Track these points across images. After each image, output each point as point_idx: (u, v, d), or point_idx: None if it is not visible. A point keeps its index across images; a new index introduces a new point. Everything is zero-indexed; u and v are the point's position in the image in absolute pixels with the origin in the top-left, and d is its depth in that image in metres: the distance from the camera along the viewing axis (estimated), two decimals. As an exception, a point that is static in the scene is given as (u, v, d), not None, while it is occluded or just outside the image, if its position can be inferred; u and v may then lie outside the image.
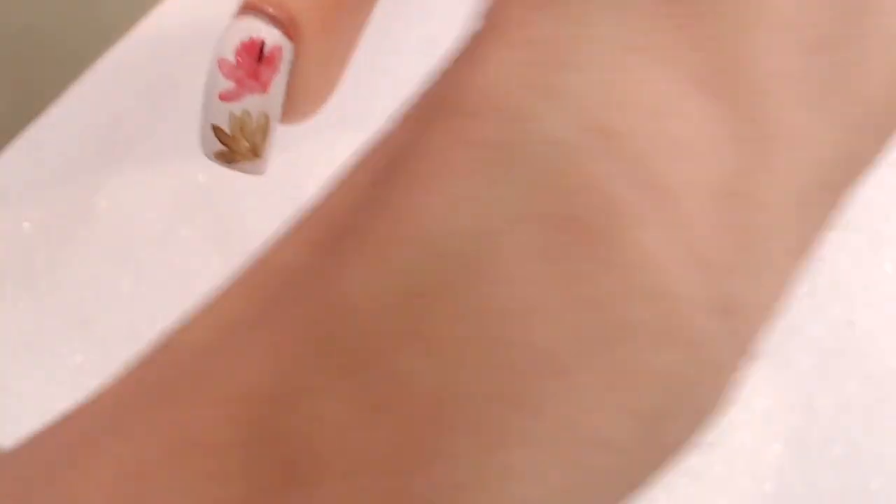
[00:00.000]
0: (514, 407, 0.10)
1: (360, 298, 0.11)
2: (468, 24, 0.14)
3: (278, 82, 0.21)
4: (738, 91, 0.11)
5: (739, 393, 0.11)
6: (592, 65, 0.11)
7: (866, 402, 0.38)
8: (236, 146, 0.22)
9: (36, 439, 0.14)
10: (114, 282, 0.39)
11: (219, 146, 0.22)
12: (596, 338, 0.10)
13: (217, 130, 0.21)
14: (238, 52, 0.21)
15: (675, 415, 0.11)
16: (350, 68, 0.23)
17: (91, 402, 0.14)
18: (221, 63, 0.21)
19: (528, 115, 0.11)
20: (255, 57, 0.21)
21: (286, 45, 0.21)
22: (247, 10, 0.20)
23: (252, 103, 0.21)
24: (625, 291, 0.10)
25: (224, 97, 0.21)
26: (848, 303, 0.39)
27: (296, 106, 0.22)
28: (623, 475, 0.11)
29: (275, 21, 0.20)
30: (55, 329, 0.39)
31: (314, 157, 0.39)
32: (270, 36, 0.21)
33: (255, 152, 0.22)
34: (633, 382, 0.10)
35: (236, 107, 0.21)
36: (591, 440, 0.10)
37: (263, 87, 0.21)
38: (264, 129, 0.22)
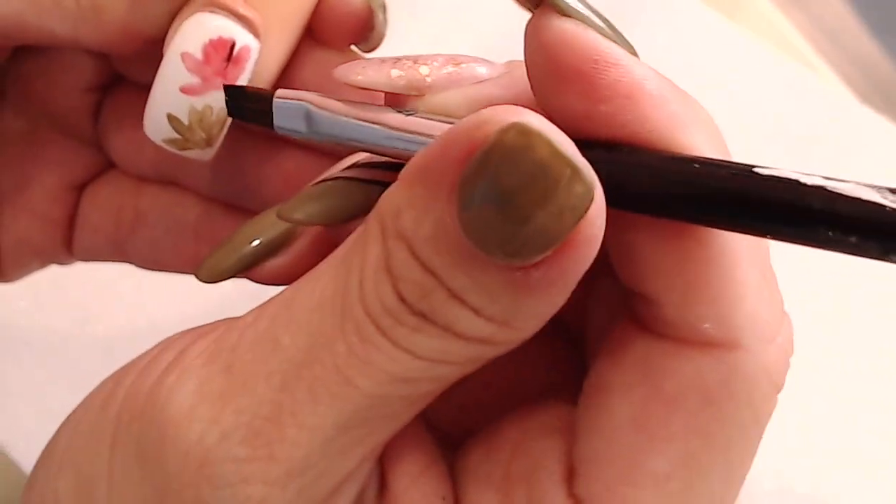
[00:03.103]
0: None
1: None
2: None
3: (242, 81, 0.21)
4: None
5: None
6: None
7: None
8: (191, 136, 0.21)
9: None
10: (114, 282, 0.39)
11: (172, 134, 0.21)
12: None
13: (173, 119, 0.21)
14: (206, 50, 0.20)
15: None
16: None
17: None
18: (185, 57, 0.21)
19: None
20: (225, 56, 0.21)
21: (254, 46, 0.21)
22: (214, 7, 0.20)
23: (215, 99, 0.21)
24: None
25: (187, 91, 0.21)
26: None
27: None
28: None
29: (244, 21, 0.21)
30: (56, 329, 0.39)
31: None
32: (241, 36, 0.21)
33: (210, 142, 0.22)
34: None
35: (198, 101, 0.21)
36: None
37: None
38: (222, 122, 0.22)
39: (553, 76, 0.15)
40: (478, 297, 0.14)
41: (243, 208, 0.24)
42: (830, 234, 0.12)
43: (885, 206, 0.12)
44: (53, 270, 0.39)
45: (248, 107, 0.20)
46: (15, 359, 0.39)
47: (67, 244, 0.26)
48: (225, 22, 0.20)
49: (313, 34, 0.22)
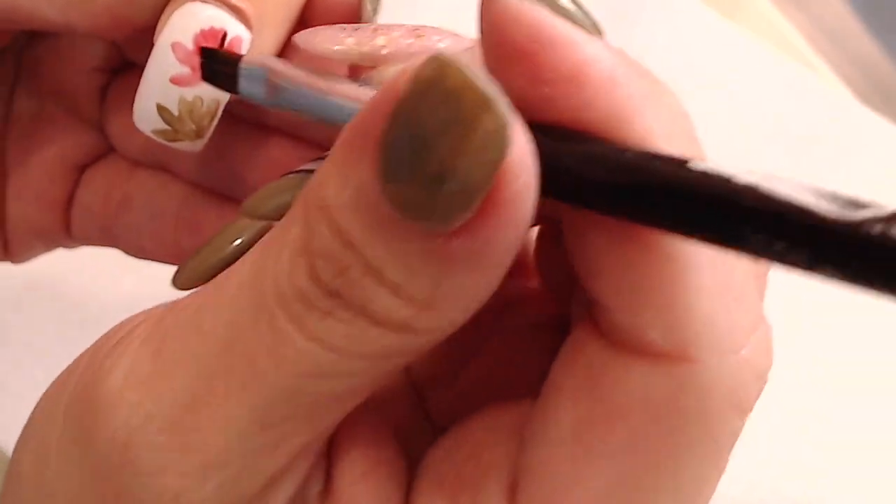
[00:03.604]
0: None
1: None
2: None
3: None
4: None
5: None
6: None
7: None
8: (181, 127, 0.21)
9: None
10: (114, 282, 0.39)
11: (162, 125, 0.21)
12: None
13: (162, 110, 0.21)
14: (196, 40, 0.20)
15: None
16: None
17: None
18: (176, 47, 0.20)
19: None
20: (216, 46, 0.20)
21: (245, 36, 0.20)
22: None
23: (206, 90, 0.21)
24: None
25: (177, 81, 0.21)
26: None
27: None
28: None
29: (235, 11, 0.20)
30: (55, 329, 0.39)
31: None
32: (232, 26, 0.20)
33: (199, 134, 0.22)
34: None
35: (188, 92, 0.21)
36: None
37: None
38: (213, 114, 0.21)
39: (498, 55, 0.14)
40: (397, 271, 0.13)
41: (230, 197, 0.24)
42: (756, 238, 0.11)
43: (816, 213, 0.11)
44: (53, 270, 0.39)
45: (220, 70, 0.19)
46: (15, 359, 0.39)
47: (67, 226, 0.26)
48: (216, 12, 0.20)
49: (308, 24, 0.22)
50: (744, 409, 0.14)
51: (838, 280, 0.11)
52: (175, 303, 0.15)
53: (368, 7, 0.22)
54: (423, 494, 0.15)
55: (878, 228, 0.10)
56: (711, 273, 0.13)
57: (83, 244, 0.26)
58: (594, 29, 0.14)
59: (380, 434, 0.16)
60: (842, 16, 0.52)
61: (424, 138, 0.12)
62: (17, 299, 0.40)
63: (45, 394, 0.16)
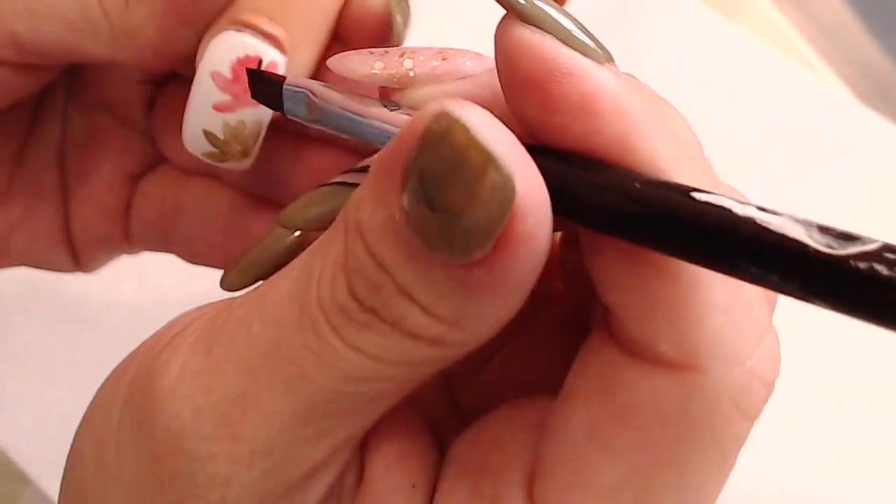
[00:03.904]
0: None
1: None
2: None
3: None
4: None
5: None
6: None
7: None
8: (228, 149, 0.22)
9: None
10: (114, 282, 0.39)
11: (209, 148, 0.22)
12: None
13: (209, 135, 0.22)
14: (234, 68, 0.21)
15: None
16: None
17: None
18: (215, 76, 0.21)
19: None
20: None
21: (280, 61, 0.21)
22: (238, 26, 0.21)
23: (248, 114, 0.22)
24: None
25: (220, 108, 0.22)
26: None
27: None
28: None
29: (269, 38, 0.21)
30: (56, 329, 0.39)
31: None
32: (267, 53, 0.21)
33: (246, 154, 0.23)
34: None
35: (231, 117, 0.22)
36: None
37: None
38: (257, 135, 0.23)
39: (512, 85, 0.15)
40: (425, 294, 0.14)
41: (276, 202, 0.25)
42: (753, 269, 0.12)
43: (807, 246, 0.11)
44: (53, 272, 0.38)
45: (266, 91, 0.21)
46: (15, 359, 0.39)
47: (127, 234, 0.27)
48: (251, 40, 0.21)
49: (341, 38, 0.23)
50: (749, 417, 0.15)
51: (831, 310, 0.11)
52: (227, 304, 0.17)
53: (399, 20, 0.22)
54: (447, 481, 0.16)
55: (864, 264, 0.11)
56: (721, 289, 0.14)
57: (143, 250, 0.28)
58: (605, 58, 0.15)
59: (411, 426, 0.17)
60: (842, 16, 0.52)
61: (438, 182, 0.13)
62: (18, 299, 0.40)
63: (104, 383, 0.18)
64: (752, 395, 0.14)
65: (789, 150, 0.45)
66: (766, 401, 0.15)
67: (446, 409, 0.20)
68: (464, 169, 0.13)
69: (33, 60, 0.22)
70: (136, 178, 0.27)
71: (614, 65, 0.15)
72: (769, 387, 0.15)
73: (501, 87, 0.15)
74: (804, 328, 0.40)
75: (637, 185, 0.13)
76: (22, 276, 0.40)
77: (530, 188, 0.13)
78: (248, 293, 0.17)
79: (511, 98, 0.15)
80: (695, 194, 0.13)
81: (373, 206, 0.14)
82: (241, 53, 0.21)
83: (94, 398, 0.18)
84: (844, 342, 0.40)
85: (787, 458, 0.38)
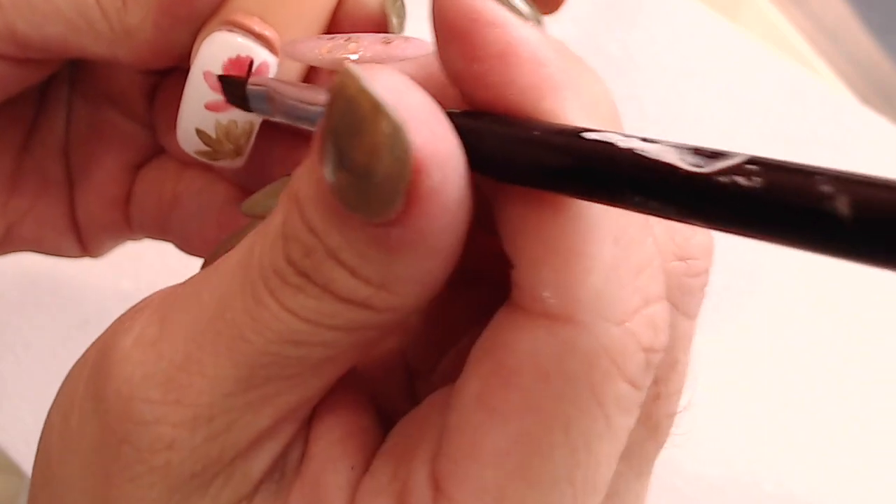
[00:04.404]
0: None
1: None
2: None
3: (262, 95, 0.21)
4: None
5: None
6: None
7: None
8: (220, 147, 0.23)
9: None
10: (114, 282, 0.40)
11: (202, 147, 0.23)
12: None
13: (201, 133, 0.22)
14: (226, 68, 0.21)
15: None
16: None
17: None
18: (207, 76, 0.21)
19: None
20: (244, 73, 0.21)
21: (272, 61, 0.21)
22: (230, 26, 0.21)
23: (239, 114, 0.22)
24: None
25: (212, 107, 0.22)
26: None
27: None
28: None
29: (261, 38, 0.21)
30: (56, 329, 0.39)
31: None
32: (258, 53, 0.21)
33: (238, 153, 0.23)
34: None
35: (223, 117, 0.22)
36: None
37: None
38: (248, 134, 0.23)
39: (440, 35, 0.15)
40: (350, 257, 0.15)
41: None
42: (636, 197, 0.12)
43: (678, 168, 0.11)
44: (52, 271, 0.39)
45: (235, 93, 0.21)
46: (15, 359, 0.39)
47: (129, 222, 0.27)
48: (243, 41, 0.21)
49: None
50: (626, 377, 0.15)
51: (708, 227, 0.12)
52: (186, 280, 0.17)
53: (394, 21, 0.22)
54: (374, 464, 0.17)
55: (726, 178, 0.11)
56: (609, 248, 0.15)
57: (146, 237, 0.28)
58: (532, 18, 0.15)
59: (359, 410, 0.18)
60: (842, 16, 0.52)
61: (344, 141, 0.14)
62: (18, 299, 0.40)
63: (78, 359, 0.18)
64: (628, 355, 0.15)
65: (789, 151, 0.45)
66: (643, 367, 0.15)
67: (406, 401, 0.20)
68: (357, 119, 0.13)
69: (33, 55, 0.22)
70: (136, 168, 0.27)
71: (542, 26, 0.15)
72: (647, 353, 0.15)
73: (435, 42, 0.15)
74: (804, 328, 0.40)
75: (536, 132, 0.14)
76: (22, 277, 0.40)
77: (432, 141, 0.14)
78: (206, 267, 0.17)
79: (440, 51, 0.15)
80: (585, 134, 0.13)
81: (306, 175, 0.15)
82: (232, 54, 0.21)
83: (68, 373, 0.18)
84: (844, 342, 0.40)
85: (786, 457, 0.38)
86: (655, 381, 0.17)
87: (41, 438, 0.18)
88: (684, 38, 0.47)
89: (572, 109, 0.14)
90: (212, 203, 0.26)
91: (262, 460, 0.16)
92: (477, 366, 0.15)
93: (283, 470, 0.17)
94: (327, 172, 0.14)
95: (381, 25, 0.22)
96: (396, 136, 0.13)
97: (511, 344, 0.15)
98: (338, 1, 0.22)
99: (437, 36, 0.15)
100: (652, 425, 0.17)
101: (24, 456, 0.37)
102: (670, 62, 0.47)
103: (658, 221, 0.16)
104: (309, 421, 0.17)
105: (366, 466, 0.17)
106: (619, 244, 0.15)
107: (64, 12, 0.21)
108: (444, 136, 0.14)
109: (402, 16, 0.23)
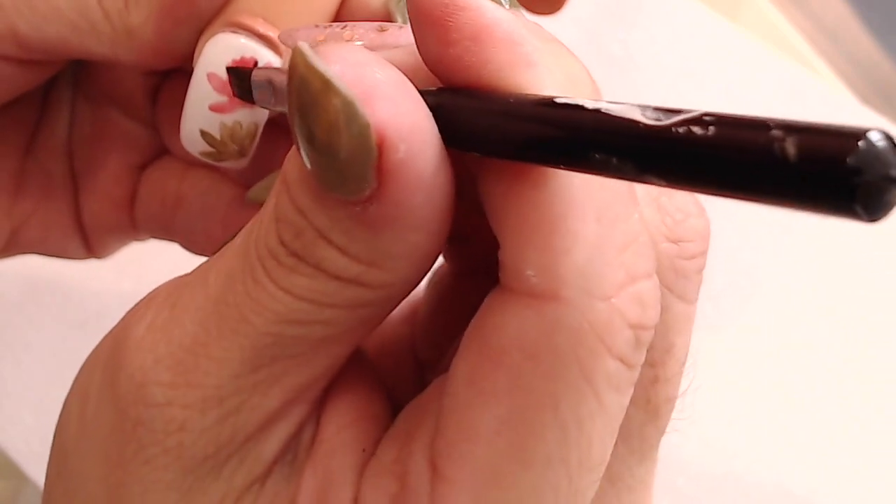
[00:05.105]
0: None
1: None
2: None
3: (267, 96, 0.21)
4: None
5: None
6: None
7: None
8: (224, 149, 0.23)
9: None
10: (114, 282, 0.40)
11: (206, 148, 0.23)
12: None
13: (205, 135, 0.22)
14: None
15: None
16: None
17: None
18: (211, 77, 0.21)
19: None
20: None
21: (276, 63, 0.21)
22: (234, 28, 0.21)
23: (243, 115, 0.22)
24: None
25: (215, 109, 0.22)
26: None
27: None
28: None
29: (264, 39, 0.21)
30: (56, 329, 0.39)
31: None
32: (262, 55, 0.21)
33: (243, 153, 0.23)
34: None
35: (228, 118, 0.22)
36: None
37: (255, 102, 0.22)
38: (253, 135, 0.23)
39: (416, 23, 0.15)
40: (338, 235, 0.15)
41: None
42: (597, 156, 0.12)
43: (639, 123, 0.12)
44: (53, 271, 0.39)
45: (242, 86, 0.21)
46: (15, 359, 0.39)
47: (134, 223, 0.27)
48: (247, 42, 0.21)
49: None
50: (615, 354, 0.15)
51: (666, 185, 0.12)
52: (196, 267, 0.18)
53: (399, 20, 0.23)
54: (381, 448, 0.17)
55: (683, 129, 0.11)
56: (592, 224, 0.15)
57: (151, 238, 0.28)
58: (511, 6, 0.15)
59: (371, 394, 0.18)
60: (842, 16, 0.52)
61: (307, 119, 0.14)
62: (18, 300, 0.40)
63: (94, 349, 0.19)
64: (615, 331, 0.15)
65: (789, 150, 0.45)
66: (633, 344, 0.15)
67: (416, 391, 0.20)
68: (311, 96, 0.14)
69: (35, 56, 0.22)
70: (141, 169, 0.27)
71: (520, 12, 0.15)
72: (635, 329, 0.15)
73: (412, 31, 0.16)
74: (804, 328, 0.40)
75: (510, 100, 0.14)
76: (23, 277, 0.40)
77: (394, 115, 0.14)
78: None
79: (418, 40, 0.15)
80: (557, 99, 0.13)
81: (294, 159, 0.15)
82: (236, 55, 0.21)
83: (85, 360, 0.19)
84: (844, 342, 0.40)
85: (786, 457, 0.38)
86: (652, 364, 0.17)
87: (57, 430, 0.18)
88: (684, 38, 0.47)
89: (550, 85, 0.15)
90: (216, 203, 0.26)
91: (273, 442, 0.16)
92: (467, 347, 0.15)
93: (296, 452, 0.17)
94: (302, 153, 0.14)
95: (382, 20, 0.23)
96: (350, 111, 0.13)
97: (498, 324, 0.15)
98: (341, 1, 0.22)
99: (413, 24, 0.15)
100: (651, 409, 0.17)
101: (24, 456, 0.37)
102: (670, 62, 0.47)
103: (648, 203, 0.16)
104: (321, 407, 0.17)
105: (375, 450, 0.17)
106: (602, 220, 0.15)
107: (65, 13, 0.21)
108: (408, 110, 0.14)
109: (406, 16, 0.23)
